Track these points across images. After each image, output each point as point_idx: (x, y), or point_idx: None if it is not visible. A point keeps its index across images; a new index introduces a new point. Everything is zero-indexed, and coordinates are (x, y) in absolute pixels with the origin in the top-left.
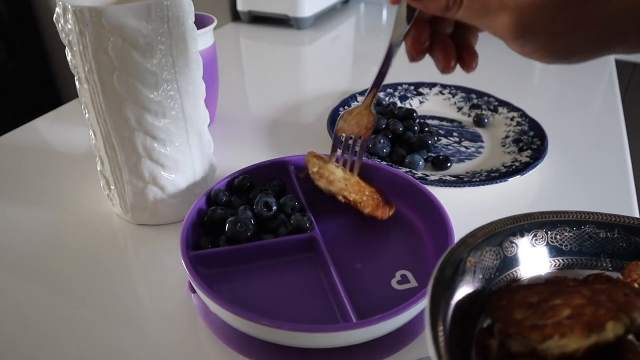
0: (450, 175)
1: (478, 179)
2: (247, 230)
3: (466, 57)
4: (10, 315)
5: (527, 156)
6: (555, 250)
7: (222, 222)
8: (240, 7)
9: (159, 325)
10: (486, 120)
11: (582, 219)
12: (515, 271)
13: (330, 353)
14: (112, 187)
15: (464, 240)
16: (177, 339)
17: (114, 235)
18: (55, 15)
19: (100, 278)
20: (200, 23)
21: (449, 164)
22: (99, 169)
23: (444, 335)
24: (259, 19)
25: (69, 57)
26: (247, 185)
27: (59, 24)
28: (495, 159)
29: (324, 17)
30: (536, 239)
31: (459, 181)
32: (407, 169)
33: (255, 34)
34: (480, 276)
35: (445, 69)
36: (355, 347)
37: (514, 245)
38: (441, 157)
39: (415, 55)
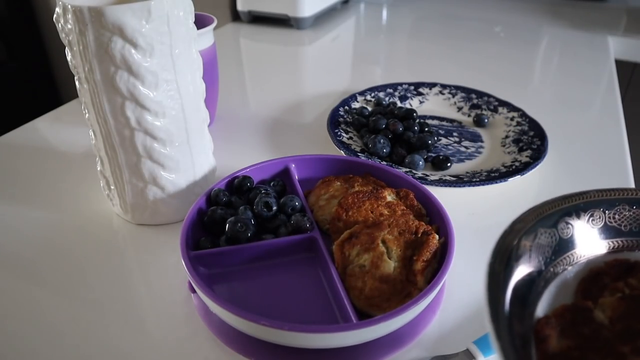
0: (450, 175)
1: (478, 179)
2: (247, 230)
3: None
4: (10, 315)
5: (527, 156)
6: (613, 231)
7: (222, 222)
8: (240, 7)
9: (159, 325)
10: (486, 120)
11: None
12: (572, 254)
13: (330, 353)
14: (112, 187)
15: (512, 227)
16: (177, 339)
17: (114, 235)
18: (55, 15)
19: (100, 278)
20: (200, 23)
21: (449, 164)
22: (99, 169)
23: (506, 328)
24: (259, 19)
25: (69, 57)
26: (247, 185)
27: (59, 24)
28: (495, 159)
29: (324, 17)
30: (593, 219)
31: (459, 181)
32: (407, 169)
33: (255, 34)
34: (537, 260)
35: None
36: (356, 347)
37: (569, 226)
38: (441, 157)
39: None
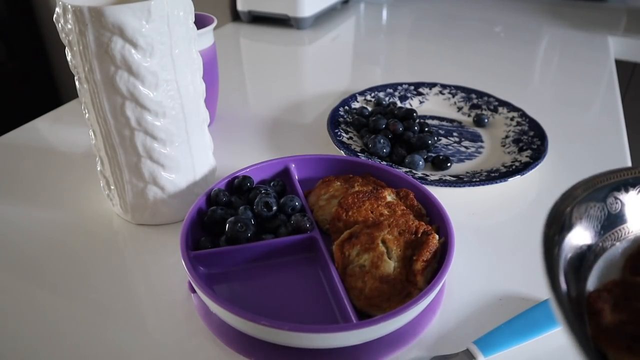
0: (450, 175)
1: (478, 179)
2: (247, 230)
3: None
4: (10, 315)
5: (527, 156)
6: None
7: (222, 222)
8: (240, 7)
9: (159, 325)
10: (486, 120)
11: None
12: (621, 229)
13: (330, 353)
14: (112, 187)
15: (563, 198)
16: (177, 339)
17: (114, 235)
18: (55, 15)
19: (100, 278)
20: (200, 23)
21: (449, 164)
22: (99, 169)
23: (566, 296)
24: (259, 19)
25: (69, 57)
26: (247, 185)
27: (59, 24)
28: (495, 159)
29: (324, 17)
30: None
31: (459, 181)
32: (407, 169)
33: (255, 34)
34: (586, 233)
35: None
36: (356, 347)
37: (618, 201)
38: (441, 157)
39: None
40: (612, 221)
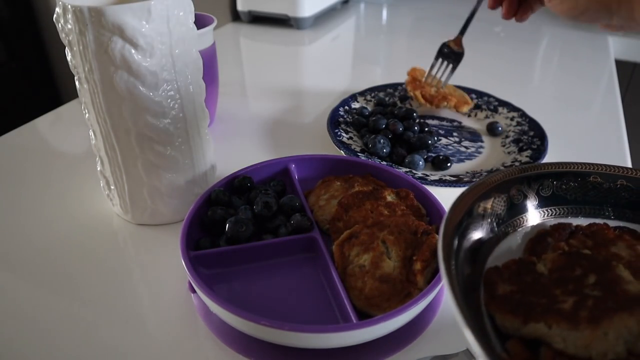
0: (450, 175)
1: (478, 179)
2: (247, 230)
3: (522, 11)
4: (9, 314)
5: (527, 156)
6: (560, 199)
7: (222, 222)
8: (240, 7)
9: (159, 325)
10: (500, 129)
11: (587, 170)
12: (522, 217)
13: (330, 353)
14: (112, 187)
15: (472, 188)
16: (177, 339)
17: (114, 235)
18: (55, 15)
19: (100, 278)
20: (200, 23)
21: (449, 164)
22: (99, 169)
23: (455, 268)
24: (259, 19)
25: (69, 57)
26: (247, 185)
27: (59, 24)
28: (495, 159)
29: (324, 17)
30: (542, 188)
31: (459, 181)
32: (407, 169)
33: (255, 34)
34: (489, 221)
35: (505, 15)
36: (356, 347)
37: (520, 193)
38: (441, 157)
39: (493, 4)
40: (515, 211)
